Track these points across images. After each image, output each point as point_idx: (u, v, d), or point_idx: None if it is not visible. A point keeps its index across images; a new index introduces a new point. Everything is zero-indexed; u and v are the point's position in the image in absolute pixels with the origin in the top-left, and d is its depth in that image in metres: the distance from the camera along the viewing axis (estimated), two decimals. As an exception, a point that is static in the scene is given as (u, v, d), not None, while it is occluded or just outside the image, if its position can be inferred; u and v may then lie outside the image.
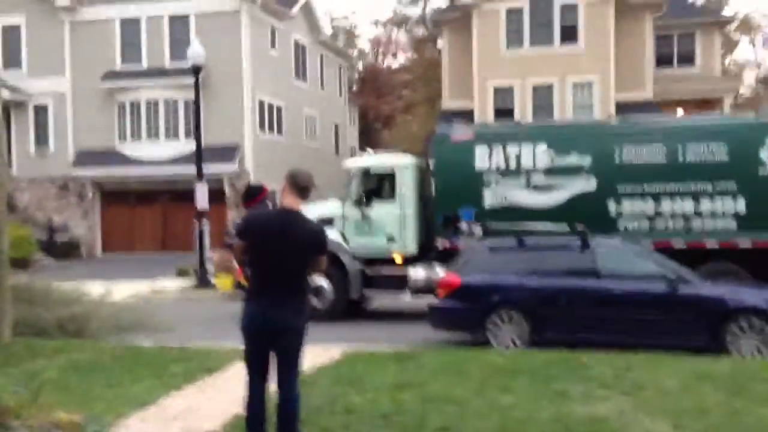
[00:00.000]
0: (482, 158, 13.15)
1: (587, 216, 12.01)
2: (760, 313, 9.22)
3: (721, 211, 12.34)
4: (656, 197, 12.55)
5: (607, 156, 12.77)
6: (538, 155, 13.01)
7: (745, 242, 12.18)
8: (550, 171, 12.93)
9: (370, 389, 7.20)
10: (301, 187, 4.87)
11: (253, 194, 6.18)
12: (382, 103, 53.01)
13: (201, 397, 7.08)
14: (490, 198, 13.09)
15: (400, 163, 13.74)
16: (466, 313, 10.22)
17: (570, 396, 6.90)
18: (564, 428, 5.99)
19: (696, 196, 12.41)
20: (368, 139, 47.11)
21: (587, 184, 12.80)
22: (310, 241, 4.81)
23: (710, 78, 28.49)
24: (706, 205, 12.38)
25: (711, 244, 12.29)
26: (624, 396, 6.93)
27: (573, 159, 12.86)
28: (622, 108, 23.41)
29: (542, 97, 24.73)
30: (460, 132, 13.57)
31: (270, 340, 4.79)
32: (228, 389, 7.35)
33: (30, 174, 27.96)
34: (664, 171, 12.56)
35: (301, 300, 4.85)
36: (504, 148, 13.09)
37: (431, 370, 8.05)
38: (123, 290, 17.91)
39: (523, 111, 24.46)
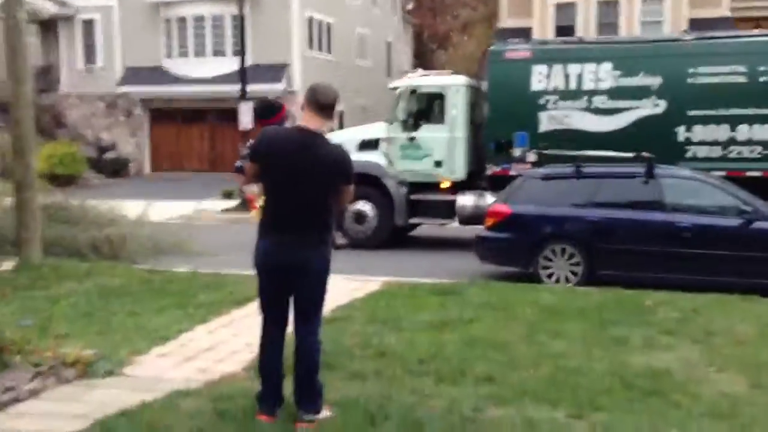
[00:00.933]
0: (539, 78, 12.14)
1: (653, 142, 11.02)
2: None
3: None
4: (731, 122, 11.44)
5: (678, 76, 11.64)
6: (601, 75, 11.94)
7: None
8: (613, 92, 11.88)
9: (407, 328, 6.60)
10: (323, 104, 4.12)
11: (270, 112, 5.34)
12: (438, 22, 51.14)
13: (226, 333, 6.58)
14: (546, 122, 12.14)
15: (451, 83, 12.82)
16: (516, 245, 9.50)
17: (629, 343, 6.18)
18: (620, 382, 5.29)
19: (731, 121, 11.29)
20: (423, 61, 45.64)
21: (654, 108, 11.74)
22: (331, 168, 4.10)
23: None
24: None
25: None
26: (691, 344, 6.18)
27: (640, 79, 11.77)
28: (695, 25, 21.71)
29: (607, 13, 23.12)
30: (516, 49, 12.53)
31: (286, 280, 4.17)
32: (255, 325, 6.80)
33: (79, 90, 27.76)
34: (740, 93, 11.40)
35: (323, 236, 4.19)
36: (564, 67, 12.04)
37: (476, 307, 7.40)
38: (166, 211, 17.69)
39: (587, 29, 22.92)
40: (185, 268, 9.73)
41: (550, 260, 9.27)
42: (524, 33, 22.45)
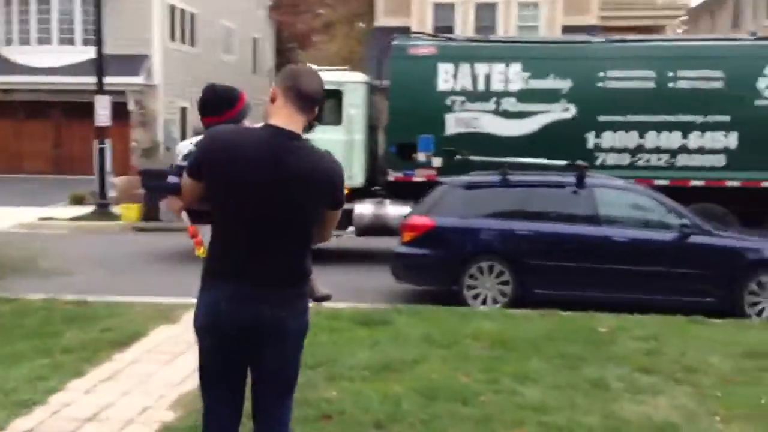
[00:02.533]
0: (446, 77, 11.22)
1: (563, 148, 10.47)
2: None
3: (710, 147, 10.96)
4: (640, 128, 11.04)
5: (587, 80, 11.11)
6: (510, 76, 11.20)
7: (734, 181, 10.89)
8: (523, 95, 11.17)
9: (345, 375, 5.36)
10: (306, 94, 2.81)
11: (225, 103, 3.42)
12: (298, 20, 49.69)
13: (111, 391, 5.06)
14: (453, 125, 11.24)
15: (349, 79, 11.64)
16: (439, 263, 8.47)
17: (611, 388, 5.26)
18: (625, 441, 4.36)
19: (684, 129, 10.96)
20: (284, 60, 44.11)
21: (565, 112, 11.14)
22: (319, 187, 2.80)
23: (652, 4, 27.26)
24: (694, 139, 10.96)
25: (697, 182, 10.95)
26: (676, 385, 5.36)
27: (550, 82, 11.14)
28: (568, 31, 21.78)
29: (485, 15, 22.78)
30: (420, 45, 11.56)
31: (246, 350, 2.84)
32: (147, 376, 5.35)
33: None
34: (649, 99, 11.02)
35: (301, 285, 2.90)
36: (472, 66, 11.20)
37: (415, 343, 6.26)
38: (4, 219, 15.35)
39: (465, 31, 22.45)
40: (38, 294, 7.96)
41: (477, 279, 8.32)
42: (402, 32, 21.64)
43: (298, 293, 2.86)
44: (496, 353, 6.03)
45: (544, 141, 10.93)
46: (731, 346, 6.30)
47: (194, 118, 24.73)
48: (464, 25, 22.71)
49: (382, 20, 25.05)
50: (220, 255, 2.83)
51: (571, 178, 8.43)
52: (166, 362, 5.78)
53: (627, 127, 11.03)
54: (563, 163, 8.82)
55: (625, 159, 11.04)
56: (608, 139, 11.08)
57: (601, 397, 5.09)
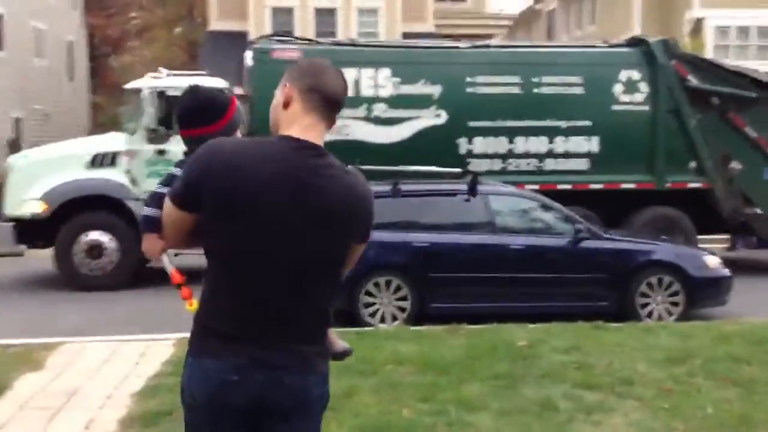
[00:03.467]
0: (313, 82, 10.64)
1: (436, 154, 10.24)
2: (670, 269, 8.07)
3: (575, 151, 11.22)
4: (508, 134, 11.08)
5: (457, 86, 10.99)
6: (380, 81, 10.84)
7: (597, 184, 11.23)
8: (394, 101, 10.86)
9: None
10: (333, 98, 2.19)
11: (212, 110, 2.58)
12: (110, 24, 46.75)
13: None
14: (323, 132, 10.68)
15: (209, 85, 10.73)
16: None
17: (559, 408, 4.97)
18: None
19: (550, 134, 11.14)
20: (97, 66, 41.28)
21: (436, 118, 10.95)
22: (352, 217, 2.19)
23: (480, 14, 28.27)
24: (560, 143, 11.17)
25: (564, 186, 11.16)
26: (620, 399, 5.17)
27: (420, 88, 10.91)
28: (407, 38, 21.93)
29: (325, 21, 22.38)
30: (284, 48, 10.90)
31: (256, 430, 2.18)
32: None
33: None
34: (517, 105, 11.11)
35: (323, 339, 2.27)
36: (340, 70, 10.70)
37: (338, 372, 5.64)
38: None
39: (304, 35, 21.91)
40: None
41: (374, 295, 7.84)
42: (239, 37, 20.77)
43: (320, 351, 2.23)
44: (427, 378, 5.57)
45: (417, 147, 10.66)
46: (650, 352, 6.26)
47: (4, 129, 22.28)
48: (304, 31, 22.16)
49: (215, 24, 23.97)
50: (221, 309, 2.14)
51: (463, 186, 8.17)
52: (48, 420, 4.80)
53: (496, 132, 11.03)
54: (458, 170, 8.55)
55: (497, 164, 11.04)
56: (479, 144, 11.04)
57: (555, 421, 4.78)
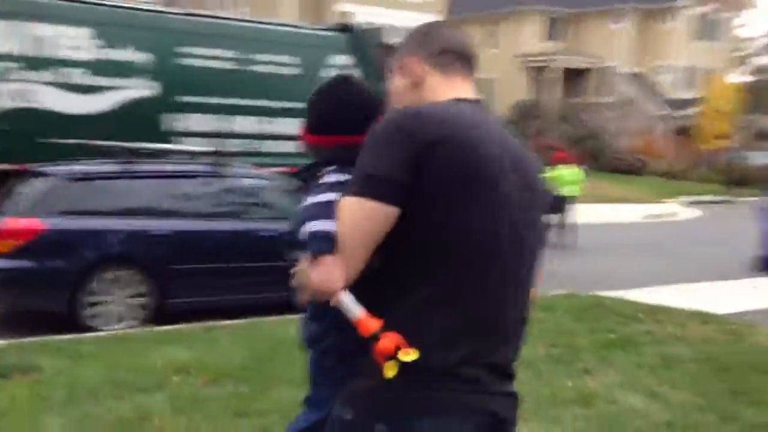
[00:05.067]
0: (-7, 36, 8.74)
1: (143, 130, 9.25)
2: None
3: (290, 133, 10.92)
4: (224, 112, 10.38)
5: (168, 56, 9.94)
6: (79, 42, 9.30)
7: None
8: (95, 66, 9.41)
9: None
10: (467, 51, 1.73)
11: (368, 113, 1.81)
12: None
13: None
14: (3, 98, 8.82)
15: None
16: (50, 277, 6.50)
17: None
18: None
19: (265, 114, 10.69)
20: None
21: (145, 90, 9.77)
22: (545, 193, 1.73)
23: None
24: (275, 125, 10.78)
25: (280, 170, 10.79)
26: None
27: (126, 54, 9.62)
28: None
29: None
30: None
31: None
32: None
33: None
34: (232, 81, 10.44)
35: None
36: (28, 25, 8.92)
37: (100, 391, 4.60)
38: None
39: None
40: None
41: (102, 294, 6.64)
42: None
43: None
44: (227, 389, 4.82)
45: (120, 121, 9.44)
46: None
47: None
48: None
49: None
50: (447, 339, 1.53)
51: (207, 168, 7.35)
52: None
53: (210, 109, 10.24)
54: (208, 149, 7.65)
55: (211, 144, 10.22)
56: (191, 121, 10.12)
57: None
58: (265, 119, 10.70)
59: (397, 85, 1.71)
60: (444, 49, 1.67)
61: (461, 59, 1.68)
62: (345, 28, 11.76)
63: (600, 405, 4.83)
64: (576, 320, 6.95)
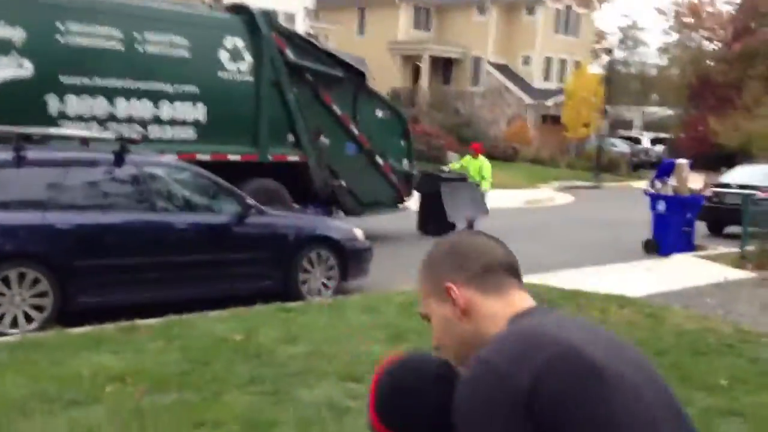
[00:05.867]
0: None
1: (16, 112, 8.33)
2: (328, 243, 7.91)
3: (182, 118, 10.27)
4: (110, 94, 9.57)
5: (46, 32, 9.03)
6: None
7: (204, 155, 10.47)
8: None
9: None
10: (510, 263, 1.47)
11: None
12: None
13: None
14: None
15: None
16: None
17: (350, 409, 4.38)
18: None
19: (155, 98, 9.97)
20: None
21: (20, 69, 8.83)
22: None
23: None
24: (166, 109, 10.08)
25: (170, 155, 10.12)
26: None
27: None
28: None
29: None
30: None
31: None
32: None
33: None
34: (119, 62, 9.65)
35: None
36: None
37: (28, 408, 4.04)
38: None
39: None
40: None
41: (3, 294, 5.93)
42: None
43: None
44: (171, 398, 4.38)
45: (1, 102, 8.49)
46: (368, 332, 6.00)
47: None
48: None
49: None
50: None
51: (110, 155, 6.70)
52: None
53: (95, 91, 9.41)
54: (110, 136, 6.97)
55: (94, 129, 9.43)
56: (74, 104, 9.26)
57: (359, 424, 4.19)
58: (159, 103, 9.99)
59: (441, 318, 1.43)
60: (486, 266, 1.42)
61: (507, 270, 1.43)
62: (241, 10, 11.19)
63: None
64: (505, 308, 6.91)
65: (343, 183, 12.17)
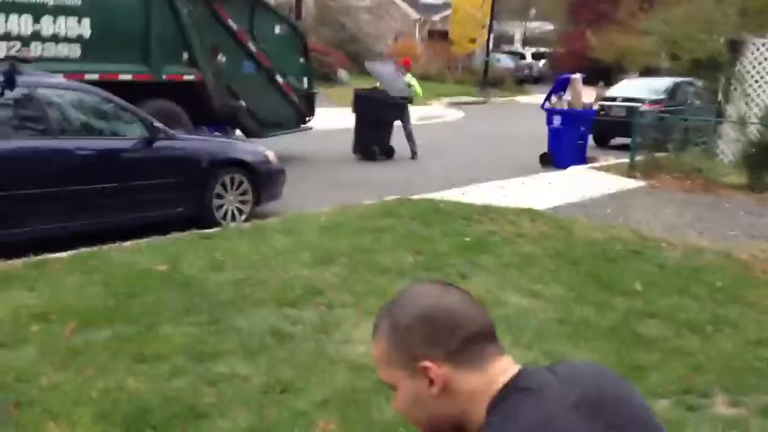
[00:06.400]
0: None
1: None
2: (242, 166, 7.67)
3: (65, 35, 9.52)
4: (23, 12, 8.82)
5: None
6: None
7: (92, 74, 9.81)
8: None
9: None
10: (489, 330, 1.32)
11: None
12: None
13: None
14: None
15: None
16: None
17: (293, 333, 4.35)
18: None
19: (35, 12, 9.18)
20: None
21: None
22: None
23: None
24: (47, 24, 9.31)
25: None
26: (333, 309, 4.80)
27: None
28: None
29: None
30: None
31: None
32: None
33: None
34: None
35: None
36: None
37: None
38: None
39: None
40: None
41: None
42: None
43: None
44: (105, 334, 4.19)
45: None
46: (299, 254, 5.92)
47: None
48: None
49: None
50: None
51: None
52: None
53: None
54: None
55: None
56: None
57: (330, 348, 4.18)
58: (41, 18, 9.21)
59: (411, 392, 1.29)
60: (467, 339, 1.27)
61: (486, 338, 1.30)
62: None
63: (492, 308, 4.92)
64: (425, 225, 7.00)
65: (243, 103, 11.78)
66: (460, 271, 5.67)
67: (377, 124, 12.75)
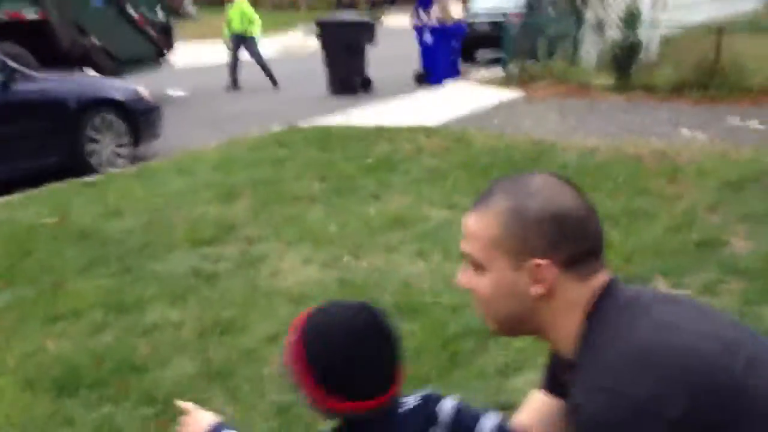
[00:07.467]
0: None
1: None
2: (114, 106, 7.02)
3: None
4: None
5: None
6: None
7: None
8: None
9: None
10: (602, 243, 1.24)
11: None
12: None
13: None
14: None
15: None
16: None
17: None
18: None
19: None
20: None
21: None
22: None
23: None
24: None
25: None
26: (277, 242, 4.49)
27: None
28: None
29: None
30: None
31: None
32: None
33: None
34: None
35: None
36: None
37: None
38: None
39: None
40: None
41: None
42: None
43: None
44: (6, 297, 3.71)
45: None
46: (200, 193, 5.50)
47: None
48: None
49: None
50: None
51: None
52: None
53: None
54: None
55: None
56: None
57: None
58: None
59: (506, 282, 1.18)
60: (587, 251, 1.18)
61: (599, 253, 1.21)
62: None
63: (416, 223, 4.79)
64: (323, 151, 6.73)
65: (95, 40, 10.83)
66: (372, 191, 5.49)
67: (350, 50, 11.70)
